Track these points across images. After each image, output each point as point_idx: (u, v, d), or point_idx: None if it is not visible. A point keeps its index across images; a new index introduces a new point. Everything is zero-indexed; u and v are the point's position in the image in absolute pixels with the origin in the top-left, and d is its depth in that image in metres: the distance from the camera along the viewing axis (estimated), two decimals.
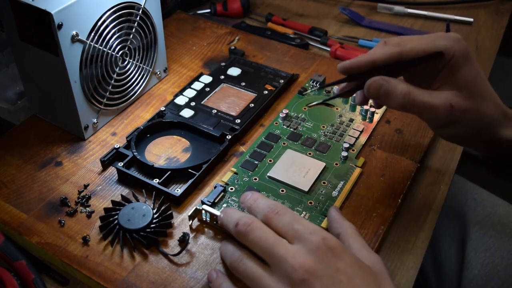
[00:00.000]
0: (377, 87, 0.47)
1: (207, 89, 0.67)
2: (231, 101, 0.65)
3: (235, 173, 0.56)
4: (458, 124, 0.48)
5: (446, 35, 0.48)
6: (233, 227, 0.44)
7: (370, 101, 0.64)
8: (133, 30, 0.61)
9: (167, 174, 0.54)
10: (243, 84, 0.67)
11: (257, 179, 0.55)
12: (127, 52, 0.62)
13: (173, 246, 0.50)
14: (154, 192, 0.53)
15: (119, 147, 0.57)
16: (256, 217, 0.44)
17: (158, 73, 0.69)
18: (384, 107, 0.64)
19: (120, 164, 0.55)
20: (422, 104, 0.46)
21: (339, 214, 0.48)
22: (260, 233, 0.42)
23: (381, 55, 0.47)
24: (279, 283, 0.40)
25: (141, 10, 0.61)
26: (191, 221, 0.51)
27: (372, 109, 0.62)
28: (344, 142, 0.59)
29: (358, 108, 0.64)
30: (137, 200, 0.52)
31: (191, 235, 0.50)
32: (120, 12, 0.58)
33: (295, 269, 0.39)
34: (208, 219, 0.51)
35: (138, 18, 0.61)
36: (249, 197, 0.47)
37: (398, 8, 0.88)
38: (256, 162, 0.57)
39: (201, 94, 0.66)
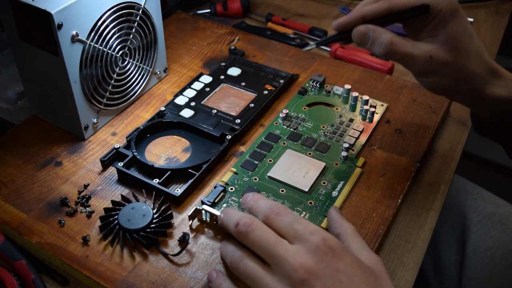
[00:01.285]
0: (363, 33, 0.50)
1: (207, 89, 0.67)
2: (231, 101, 0.65)
3: (235, 173, 0.56)
4: (438, 75, 0.50)
5: None
6: (233, 227, 0.44)
7: (370, 102, 0.64)
8: (133, 30, 0.61)
9: (167, 174, 0.54)
10: (243, 84, 0.67)
11: (257, 179, 0.55)
12: (127, 52, 0.62)
13: (173, 246, 0.50)
14: (154, 192, 0.53)
15: (119, 147, 0.57)
16: (256, 218, 0.44)
17: (158, 73, 0.69)
18: (383, 108, 0.64)
19: (120, 164, 0.55)
20: (403, 54, 0.49)
21: (339, 214, 0.48)
22: (260, 233, 0.42)
23: (371, 11, 0.50)
24: (280, 283, 0.40)
25: (141, 10, 0.61)
26: (191, 221, 0.51)
27: (372, 109, 0.62)
28: (344, 142, 0.59)
29: (358, 108, 0.64)
30: (137, 200, 0.52)
31: (191, 235, 0.50)
32: (120, 12, 0.58)
33: (295, 269, 0.39)
34: (208, 219, 0.51)
35: (138, 18, 0.61)
36: (250, 198, 0.47)
37: None
38: (256, 162, 0.57)
39: (201, 94, 0.66)
